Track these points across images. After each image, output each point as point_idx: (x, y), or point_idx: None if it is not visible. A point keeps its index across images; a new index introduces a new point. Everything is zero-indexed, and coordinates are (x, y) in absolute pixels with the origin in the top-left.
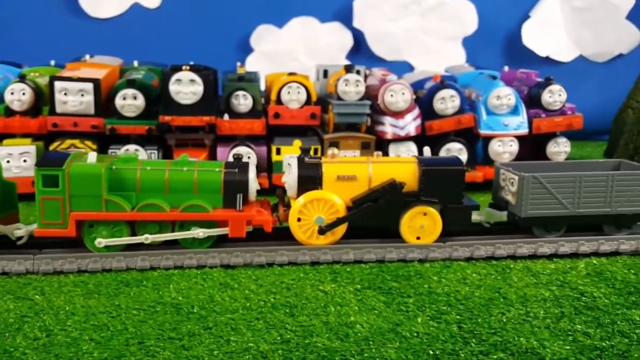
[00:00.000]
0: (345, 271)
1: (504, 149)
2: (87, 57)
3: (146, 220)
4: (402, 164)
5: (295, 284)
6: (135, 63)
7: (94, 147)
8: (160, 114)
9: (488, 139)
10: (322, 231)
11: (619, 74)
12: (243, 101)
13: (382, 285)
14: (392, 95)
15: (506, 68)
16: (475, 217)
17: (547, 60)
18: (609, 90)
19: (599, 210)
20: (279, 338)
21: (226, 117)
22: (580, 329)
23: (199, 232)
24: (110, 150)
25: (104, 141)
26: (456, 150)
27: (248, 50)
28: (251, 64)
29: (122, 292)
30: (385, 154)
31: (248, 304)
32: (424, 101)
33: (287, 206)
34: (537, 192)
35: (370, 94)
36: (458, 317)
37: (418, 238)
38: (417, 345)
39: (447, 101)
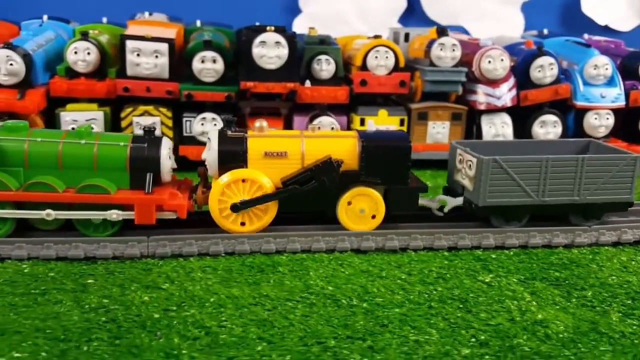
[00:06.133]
0: (491, 258)
1: (600, 123)
2: (147, 14)
3: (35, 201)
4: (340, 139)
5: (448, 272)
6: (198, 23)
7: (169, 114)
8: (242, 79)
9: (583, 112)
10: (235, 208)
11: None
12: (326, 66)
13: (546, 275)
14: (490, 62)
15: (586, 36)
16: (426, 201)
17: (606, 29)
18: None
19: (566, 199)
20: (473, 340)
21: (308, 83)
22: None
23: (112, 214)
24: (184, 119)
25: (177, 108)
26: (551, 122)
27: (296, 11)
28: (298, 26)
29: (260, 279)
30: (478, 126)
31: (410, 297)
32: (518, 69)
33: (209, 187)
34: (497, 177)
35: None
36: None
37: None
38: (629, 347)
39: (545, 69)
